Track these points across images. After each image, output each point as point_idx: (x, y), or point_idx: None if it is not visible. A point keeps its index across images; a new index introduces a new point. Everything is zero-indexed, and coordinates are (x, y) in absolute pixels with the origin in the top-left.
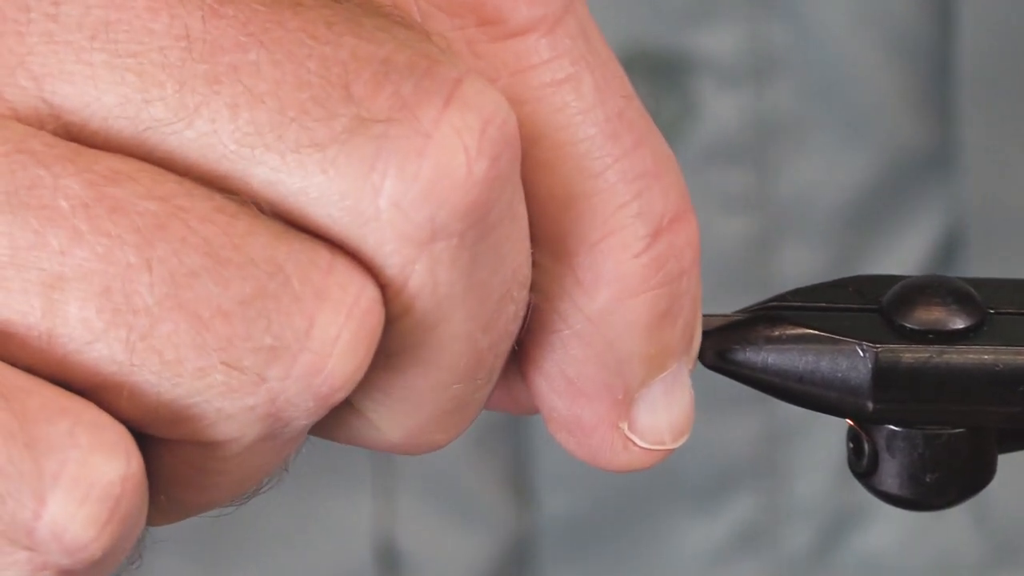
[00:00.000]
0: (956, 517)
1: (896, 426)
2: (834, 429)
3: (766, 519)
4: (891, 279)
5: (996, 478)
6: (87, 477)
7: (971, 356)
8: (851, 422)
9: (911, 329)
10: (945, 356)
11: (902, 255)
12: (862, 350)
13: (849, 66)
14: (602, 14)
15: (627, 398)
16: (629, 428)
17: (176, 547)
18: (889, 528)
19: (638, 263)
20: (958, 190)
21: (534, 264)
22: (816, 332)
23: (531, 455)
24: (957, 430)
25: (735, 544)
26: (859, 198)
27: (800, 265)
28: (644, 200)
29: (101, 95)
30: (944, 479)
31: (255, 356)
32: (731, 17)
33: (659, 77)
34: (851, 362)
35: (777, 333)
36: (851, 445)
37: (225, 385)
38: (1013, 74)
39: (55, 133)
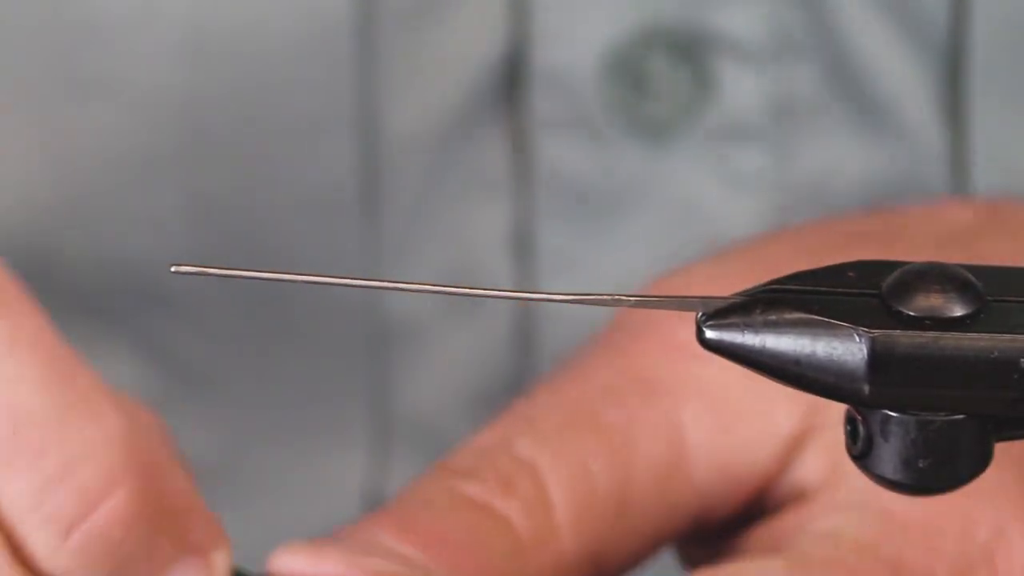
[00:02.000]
0: None
1: (892, 411)
2: None
3: None
4: (892, 265)
5: None
6: None
7: (967, 342)
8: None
9: (909, 315)
10: (941, 342)
11: None
12: (859, 335)
13: (865, 53)
14: None
15: None
16: None
17: None
18: None
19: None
20: (969, 182)
21: None
22: (814, 316)
23: None
24: (951, 416)
25: None
26: (872, 184)
27: None
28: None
29: None
30: (937, 465)
31: None
32: None
33: (677, 55)
34: (847, 346)
35: (775, 316)
36: (848, 428)
37: None
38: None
39: None
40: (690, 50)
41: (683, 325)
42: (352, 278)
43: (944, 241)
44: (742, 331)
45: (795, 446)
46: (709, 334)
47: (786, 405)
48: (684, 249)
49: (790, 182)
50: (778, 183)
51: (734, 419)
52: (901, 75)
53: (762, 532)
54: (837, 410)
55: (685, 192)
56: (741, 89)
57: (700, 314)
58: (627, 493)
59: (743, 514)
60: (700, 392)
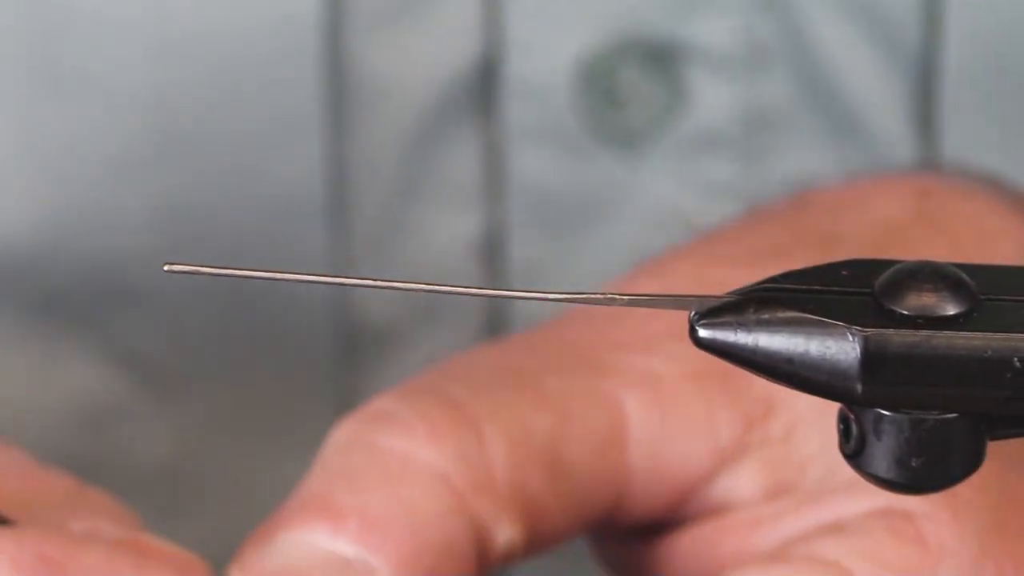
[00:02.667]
0: None
1: (885, 410)
2: None
3: None
4: (885, 263)
5: None
6: None
7: (960, 341)
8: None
9: (902, 314)
10: (934, 341)
11: None
12: (851, 334)
13: (837, 63)
14: (599, 0)
15: None
16: None
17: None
18: None
19: None
20: None
21: None
22: (807, 315)
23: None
24: (943, 415)
25: None
26: None
27: None
28: None
29: None
30: (931, 464)
31: None
32: (725, 8)
33: (651, 64)
34: (840, 345)
35: (768, 315)
36: (841, 426)
37: None
38: (995, 82)
39: None
40: (663, 60)
41: (639, 320)
42: (346, 276)
43: (882, 243)
44: (735, 330)
45: (729, 457)
46: (702, 333)
47: (727, 412)
48: None
49: (762, 191)
50: (750, 192)
51: (675, 415)
52: (873, 85)
53: (686, 539)
54: (778, 425)
55: (658, 201)
56: (713, 98)
57: (693, 313)
58: (561, 456)
59: (659, 517)
60: (646, 382)
